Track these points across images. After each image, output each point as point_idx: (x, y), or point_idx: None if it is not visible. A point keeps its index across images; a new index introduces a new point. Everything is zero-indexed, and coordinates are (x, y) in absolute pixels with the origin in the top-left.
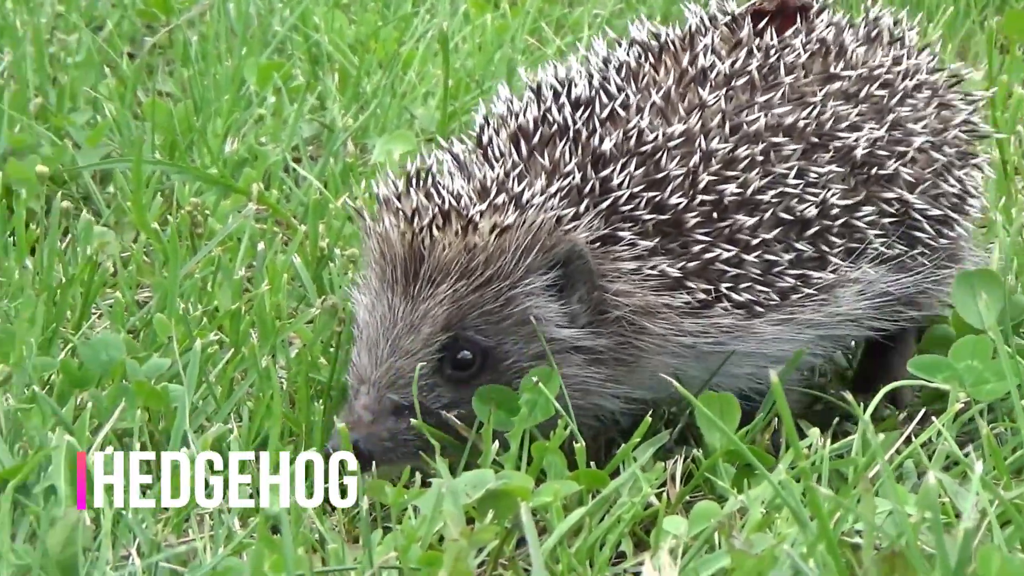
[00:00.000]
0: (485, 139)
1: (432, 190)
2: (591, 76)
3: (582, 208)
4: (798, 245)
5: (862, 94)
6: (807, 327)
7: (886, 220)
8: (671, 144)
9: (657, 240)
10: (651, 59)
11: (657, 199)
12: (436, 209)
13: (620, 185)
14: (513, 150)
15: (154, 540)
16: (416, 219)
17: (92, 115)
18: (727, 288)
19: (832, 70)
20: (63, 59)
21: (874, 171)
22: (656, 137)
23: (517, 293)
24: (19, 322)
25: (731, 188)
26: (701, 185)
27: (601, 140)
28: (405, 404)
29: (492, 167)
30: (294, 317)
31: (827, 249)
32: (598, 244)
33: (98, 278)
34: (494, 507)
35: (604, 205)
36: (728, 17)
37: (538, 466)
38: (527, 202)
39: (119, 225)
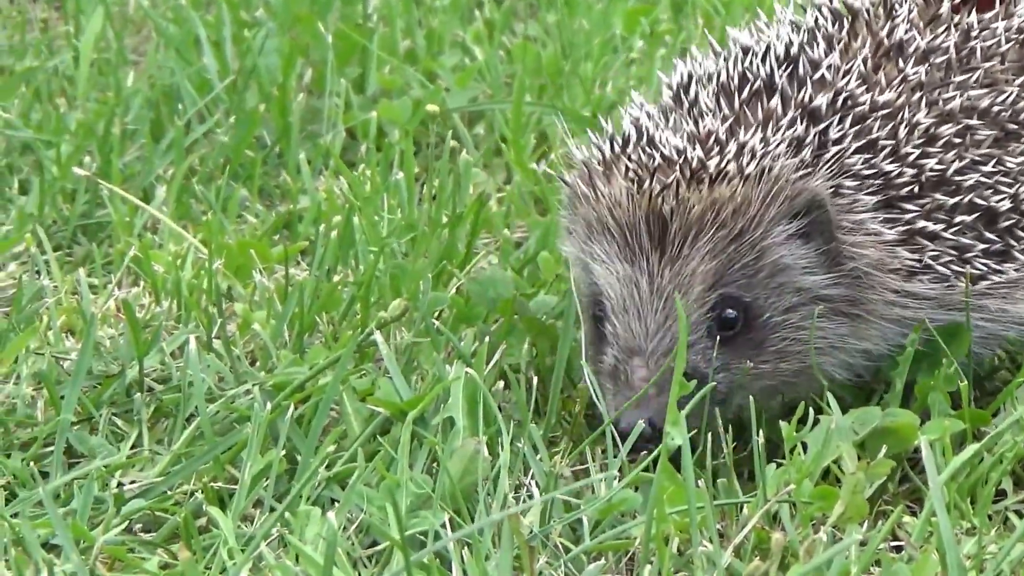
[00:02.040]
0: (690, 96)
1: (652, 148)
2: (783, 40)
3: (807, 156)
4: (987, 235)
5: None
6: (990, 320)
7: None
8: (879, 112)
9: (876, 200)
10: (845, 26)
11: (872, 160)
12: (675, 165)
13: (837, 141)
14: (723, 105)
15: (551, 472)
16: (655, 177)
17: (460, 58)
18: (931, 258)
19: None
20: (431, 3)
21: None
22: (865, 102)
23: (769, 244)
24: (414, 258)
25: (931, 164)
26: (909, 157)
27: (812, 97)
28: (686, 372)
29: (700, 122)
30: None
31: (1014, 244)
32: (832, 194)
33: (482, 217)
34: (884, 443)
35: (829, 157)
36: None
37: (922, 404)
38: (763, 151)
39: (488, 167)
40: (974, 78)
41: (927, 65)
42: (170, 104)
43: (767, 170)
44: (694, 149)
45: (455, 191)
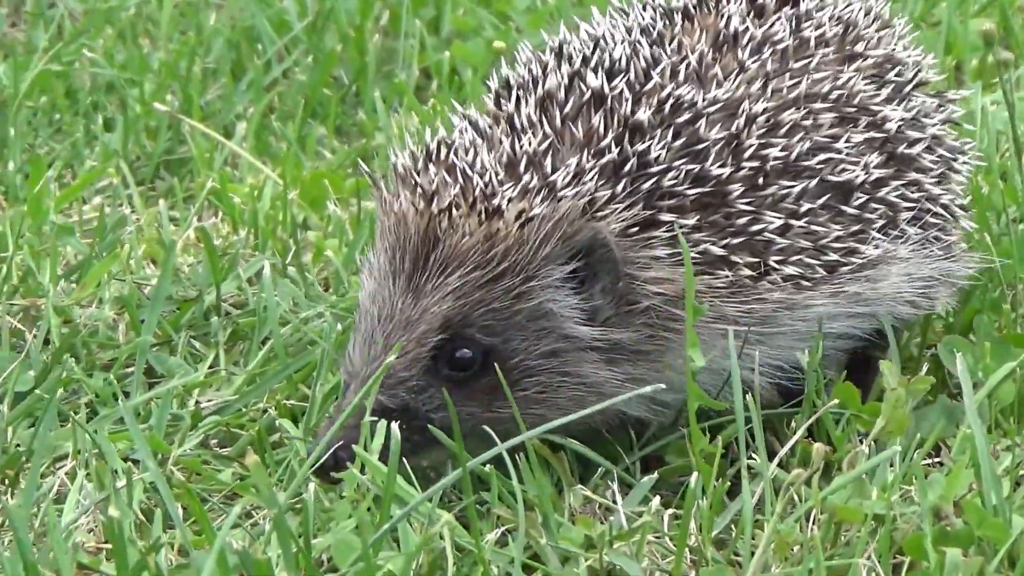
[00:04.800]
0: (510, 106)
1: (455, 166)
2: (616, 40)
3: (619, 188)
4: (847, 211)
5: (885, 76)
6: (856, 303)
7: (911, 200)
8: (711, 110)
9: (698, 216)
10: (678, 22)
11: (697, 171)
12: (459, 189)
13: (658, 160)
14: (543, 120)
15: None
16: (436, 199)
17: (532, 0)
18: (776, 261)
19: (855, 49)
20: None
21: (901, 149)
22: (695, 103)
23: (533, 286)
24: None
25: (775, 152)
26: (745, 152)
27: (635, 110)
28: (392, 407)
29: (519, 139)
30: None
31: (871, 218)
32: (636, 229)
33: None
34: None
35: (645, 185)
36: None
37: (968, 326)
38: (561, 186)
39: None
40: (813, 64)
41: (766, 54)
42: (250, 45)
43: (553, 210)
44: (491, 174)
45: None
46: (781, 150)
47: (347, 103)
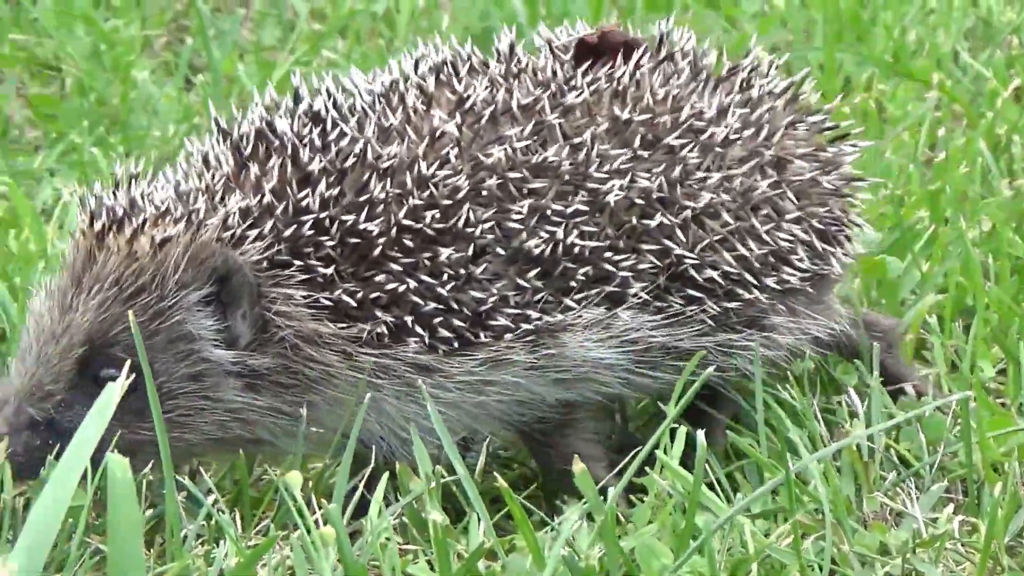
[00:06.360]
0: (209, 144)
1: (133, 193)
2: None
3: (267, 228)
4: (521, 282)
5: (645, 140)
6: (525, 369)
7: (645, 266)
8: (384, 166)
9: (345, 266)
10: (432, 77)
11: (350, 223)
12: (120, 213)
13: (310, 208)
14: (229, 160)
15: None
16: (96, 222)
17: (761, 5)
18: (415, 321)
19: (617, 113)
20: None
21: (632, 220)
22: (374, 158)
23: (166, 307)
24: None
25: (434, 214)
26: (402, 212)
27: (311, 159)
28: (38, 419)
29: (205, 174)
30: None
31: (565, 287)
32: (267, 266)
33: None
34: None
35: (289, 230)
36: (548, 47)
37: None
38: (201, 217)
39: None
40: (528, 129)
41: (478, 119)
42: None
43: (185, 235)
44: (149, 204)
45: None
46: (441, 214)
47: None
